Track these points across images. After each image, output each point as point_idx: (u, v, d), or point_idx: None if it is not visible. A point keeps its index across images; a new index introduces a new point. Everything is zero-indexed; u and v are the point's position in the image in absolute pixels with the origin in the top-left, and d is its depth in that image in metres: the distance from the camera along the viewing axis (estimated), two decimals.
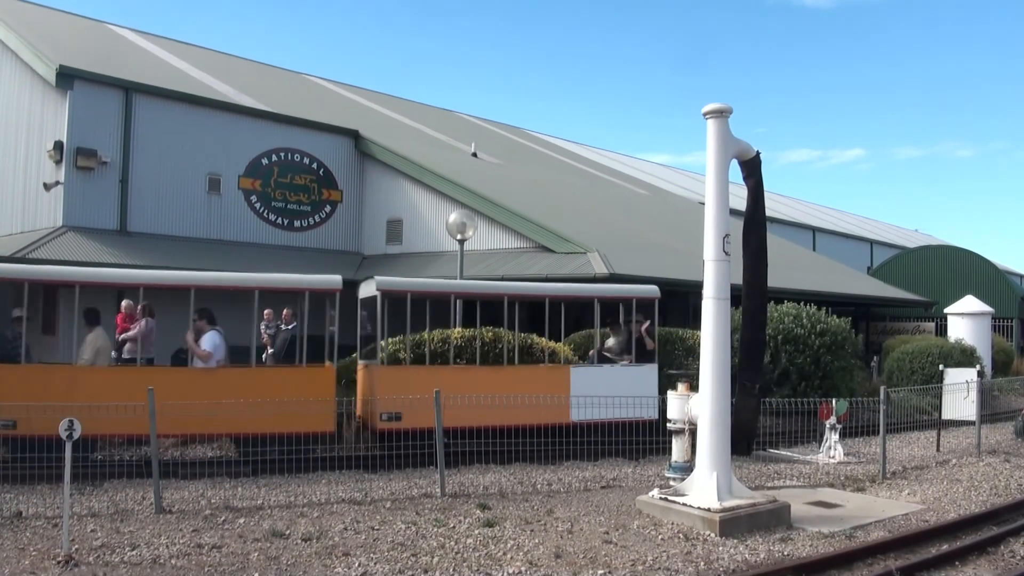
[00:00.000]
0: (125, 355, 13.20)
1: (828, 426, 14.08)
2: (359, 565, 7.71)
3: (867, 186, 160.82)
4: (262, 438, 11.59)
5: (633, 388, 13.92)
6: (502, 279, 19.56)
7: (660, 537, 8.88)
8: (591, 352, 15.17)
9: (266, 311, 15.84)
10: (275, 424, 11.56)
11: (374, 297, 13.60)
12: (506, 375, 13.87)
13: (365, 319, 14.49)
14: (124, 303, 14.53)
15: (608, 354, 15.04)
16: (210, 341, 12.43)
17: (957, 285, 33.19)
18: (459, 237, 16.84)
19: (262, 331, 15.48)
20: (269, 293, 13.35)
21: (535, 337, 15.64)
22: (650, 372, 14.69)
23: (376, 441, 12.97)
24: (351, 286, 19.97)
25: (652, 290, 15.41)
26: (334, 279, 13.29)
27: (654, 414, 13.82)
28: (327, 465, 12.17)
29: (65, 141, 19.79)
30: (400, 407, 12.51)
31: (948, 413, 16.24)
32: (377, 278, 13.92)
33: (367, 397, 13.37)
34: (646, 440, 13.11)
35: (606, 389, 13.49)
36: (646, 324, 14.99)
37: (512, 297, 14.55)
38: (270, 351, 14.82)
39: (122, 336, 13.48)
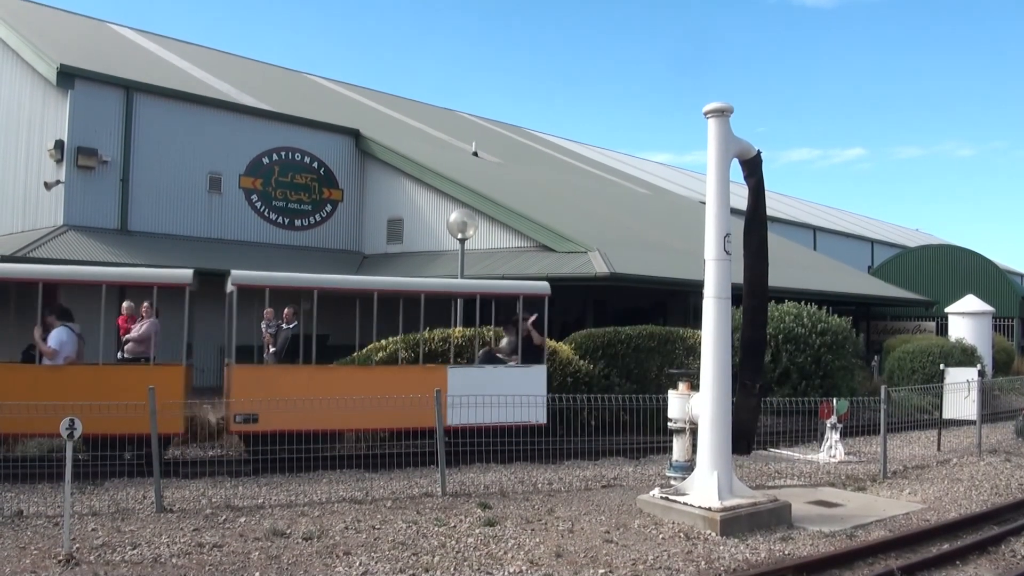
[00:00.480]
0: (127, 355, 13.22)
1: (829, 425, 14.08)
2: (360, 564, 7.72)
3: (868, 185, 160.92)
4: (111, 439, 11.13)
5: (519, 390, 12.95)
6: (502, 278, 19.57)
7: (661, 536, 8.89)
8: (480, 352, 14.42)
9: (266, 310, 15.81)
10: (122, 425, 11.00)
11: (232, 292, 12.99)
12: (376, 376, 13.07)
13: (229, 315, 13.65)
14: (125, 304, 14.53)
15: (500, 355, 14.26)
16: (56, 338, 11.94)
17: (958, 284, 33.19)
18: (460, 236, 16.83)
19: (263, 330, 15.46)
20: (118, 287, 12.76)
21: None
22: (537, 373, 13.67)
23: (249, 445, 12.23)
24: None
25: (541, 287, 14.46)
26: (184, 273, 12.66)
27: (542, 417, 13.24)
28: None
29: (66, 140, 19.81)
30: (257, 408, 11.81)
31: (949, 412, 16.24)
32: (233, 272, 13.12)
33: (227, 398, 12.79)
34: (532, 443, 12.54)
35: (489, 391, 12.59)
36: (532, 318, 14.10)
37: (383, 293, 13.55)
38: (272, 350, 14.80)
39: (125, 336, 13.49)
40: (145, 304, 13.39)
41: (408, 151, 25.24)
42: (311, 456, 12.02)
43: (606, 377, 15.87)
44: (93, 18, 32.12)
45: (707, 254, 9.93)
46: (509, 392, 12.73)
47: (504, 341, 14.55)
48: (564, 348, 15.72)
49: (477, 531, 8.93)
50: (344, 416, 12.05)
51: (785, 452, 14.68)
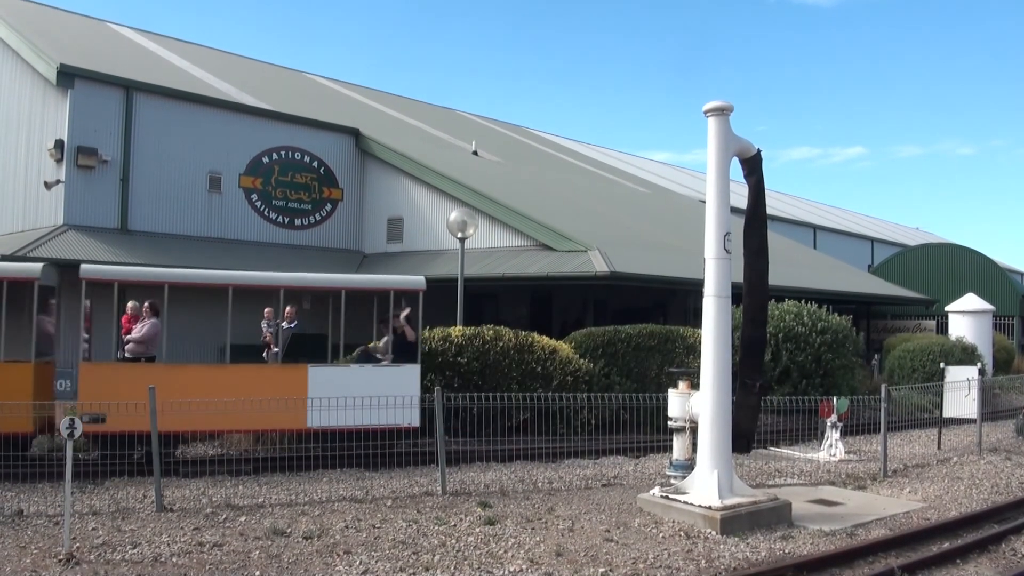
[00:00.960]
0: (128, 355, 13.24)
1: (829, 424, 14.08)
2: (360, 563, 7.72)
3: (868, 184, 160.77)
4: None
5: (389, 391, 12.13)
6: (502, 277, 19.60)
7: (661, 535, 8.89)
8: (356, 351, 14.05)
9: (266, 309, 15.82)
10: None
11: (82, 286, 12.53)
12: (231, 375, 12.54)
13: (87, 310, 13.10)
14: (130, 304, 14.53)
15: (378, 354, 13.79)
16: None
17: (958, 283, 33.18)
18: (460, 235, 16.82)
19: (263, 329, 15.48)
20: None
21: (535, 336, 15.65)
22: (410, 373, 12.97)
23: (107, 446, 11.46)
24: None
25: (415, 281, 13.86)
26: (31, 267, 12.36)
27: (414, 420, 12.63)
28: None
29: (66, 140, 19.80)
30: (105, 408, 11.03)
31: (949, 411, 16.24)
32: (83, 266, 12.69)
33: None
34: (399, 447, 12.12)
35: (355, 392, 11.79)
36: (405, 312, 13.57)
37: (238, 287, 13.13)
38: (275, 349, 14.80)
39: (127, 336, 13.51)
40: (147, 304, 13.40)
41: (408, 150, 25.23)
42: (310, 456, 11.91)
43: (606, 376, 15.89)
44: (93, 17, 32.10)
45: (707, 253, 9.93)
46: (379, 393, 11.94)
47: (383, 340, 14.03)
48: (564, 347, 15.74)
49: (477, 530, 8.94)
50: (196, 418, 11.41)
51: (785, 451, 14.69)
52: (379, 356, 13.73)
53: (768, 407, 14.62)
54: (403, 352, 13.37)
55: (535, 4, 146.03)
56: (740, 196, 10.56)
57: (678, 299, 24.30)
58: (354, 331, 13.96)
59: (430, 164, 24.09)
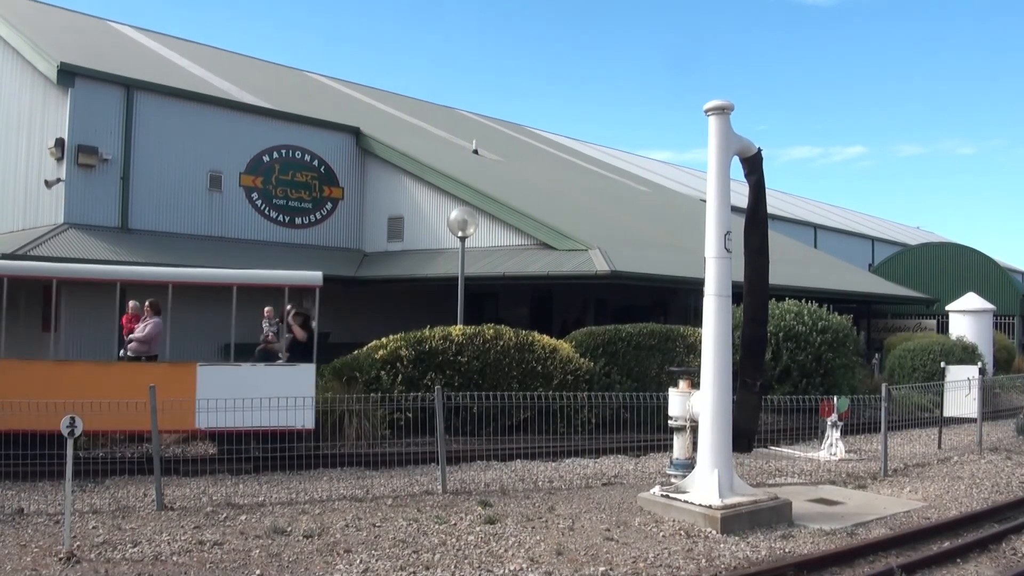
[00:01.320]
0: (130, 354, 13.25)
1: (829, 423, 14.08)
2: (360, 562, 7.72)
3: (868, 183, 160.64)
4: None
5: (283, 392, 11.76)
6: (503, 276, 19.60)
7: (661, 534, 8.89)
8: (256, 349, 13.93)
9: (266, 308, 15.82)
10: None
11: None
12: (116, 374, 12.21)
13: None
14: (131, 304, 14.55)
15: (280, 353, 13.63)
16: None
17: (958, 282, 33.18)
18: (460, 234, 16.83)
19: (264, 328, 15.47)
20: None
21: (536, 335, 15.66)
22: (304, 373, 12.59)
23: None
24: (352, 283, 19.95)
25: (311, 277, 13.43)
26: None
27: (310, 422, 12.34)
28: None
29: (66, 138, 19.79)
30: None
31: (949, 411, 16.24)
32: None
33: None
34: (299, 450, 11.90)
35: (247, 393, 11.34)
36: (293, 310, 13.39)
37: (127, 283, 13.08)
38: (280, 350, 14.79)
39: (129, 336, 13.53)
40: (148, 303, 13.40)
41: (408, 149, 25.22)
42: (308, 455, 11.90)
43: (607, 375, 15.89)
44: (94, 16, 32.10)
45: (708, 252, 9.93)
46: (272, 394, 11.57)
47: (281, 338, 13.83)
48: (565, 346, 15.74)
49: (478, 529, 8.94)
50: (83, 418, 11.22)
51: (786, 450, 14.69)
52: (279, 355, 13.53)
53: (768, 406, 14.62)
54: (298, 352, 13.11)
55: (535, 4, 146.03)
56: (741, 195, 10.56)
57: (679, 298, 24.32)
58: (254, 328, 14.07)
59: (431, 163, 24.08)
